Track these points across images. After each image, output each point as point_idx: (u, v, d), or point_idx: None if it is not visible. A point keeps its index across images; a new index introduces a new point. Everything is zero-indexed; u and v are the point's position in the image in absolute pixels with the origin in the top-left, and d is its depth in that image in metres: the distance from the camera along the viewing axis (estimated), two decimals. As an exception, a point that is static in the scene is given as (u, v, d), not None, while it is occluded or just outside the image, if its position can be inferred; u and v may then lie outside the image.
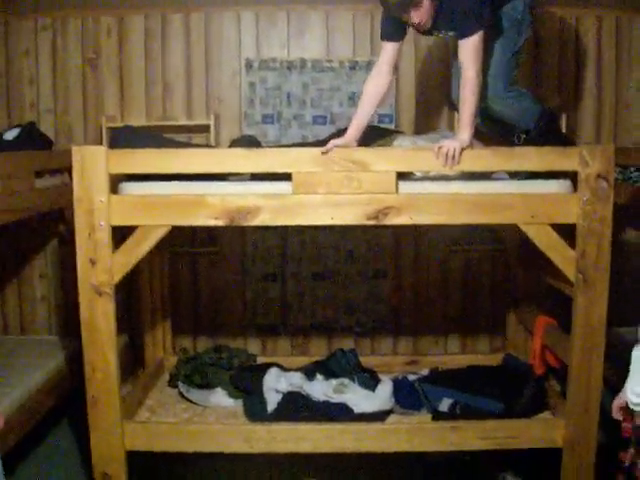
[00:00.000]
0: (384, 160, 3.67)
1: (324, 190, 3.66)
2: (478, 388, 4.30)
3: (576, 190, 3.67)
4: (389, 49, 3.88)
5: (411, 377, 4.67)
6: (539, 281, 4.81)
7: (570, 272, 3.71)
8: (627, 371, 2.95)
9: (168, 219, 3.71)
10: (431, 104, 5.54)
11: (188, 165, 3.69)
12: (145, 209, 3.70)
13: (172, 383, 4.80)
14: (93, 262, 3.68)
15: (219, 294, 5.71)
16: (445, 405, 4.22)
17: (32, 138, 5.01)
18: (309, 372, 4.58)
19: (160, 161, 3.68)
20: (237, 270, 5.67)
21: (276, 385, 4.37)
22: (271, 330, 5.71)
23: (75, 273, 3.72)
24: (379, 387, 4.37)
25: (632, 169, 4.75)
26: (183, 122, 5.53)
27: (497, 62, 3.91)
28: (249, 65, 5.45)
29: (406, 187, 3.71)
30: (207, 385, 4.56)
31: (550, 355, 4.42)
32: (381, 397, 4.29)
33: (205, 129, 5.45)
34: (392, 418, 4.24)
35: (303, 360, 5.04)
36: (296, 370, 4.67)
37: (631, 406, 2.87)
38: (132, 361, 5.36)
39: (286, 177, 3.68)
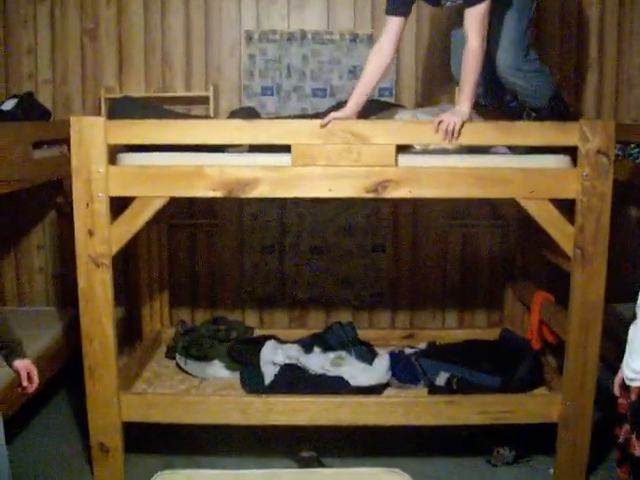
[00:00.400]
0: (384, 133, 3.65)
1: (323, 162, 3.65)
2: (475, 362, 4.32)
3: (575, 166, 3.66)
4: (394, 25, 3.83)
5: (408, 351, 4.69)
6: (537, 256, 4.81)
7: (568, 247, 3.71)
8: (624, 348, 2.95)
9: (166, 190, 3.70)
10: (432, 77, 5.51)
11: (186, 136, 3.68)
12: (143, 180, 3.69)
13: (169, 355, 4.82)
14: (91, 233, 3.67)
15: (217, 266, 5.70)
16: (442, 379, 4.23)
17: (30, 108, 4.98)
18: (306, 345, 4.59)
19: (158, 132, 3.67)
20: (235, 242, 5.66)
21: (273, 358, 4.38)
22: (269, 303, 5.71)
23: (73, 244, 3.71)
24: (376, 360, 4.39)
25: (632, 146, 4.74)
26: (182, 93, 5.50)
27: (513, 32, 3.82)
28: (249, 37, 5.41)
29: (405, 160, 3.69)
30: (204, 357, 4.57)
31: (547, 330, 4.42)
32: (378, 370, 4.30)
33: (204, 100, 5.42)
34: (389, 392, 4.26)
35: (301, 333, 5.07)
36: (293, 343, 4.69)
37: (627, 381, 2.87)
38: (129, 333, 5.36)
39: (285, 149, 3.67)
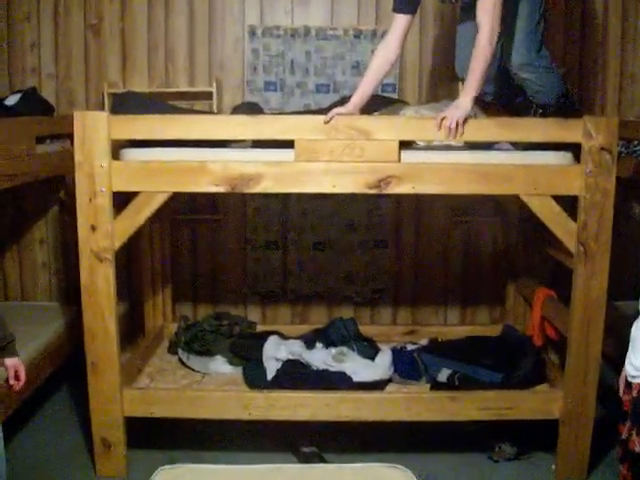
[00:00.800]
0: (387, 129, 3.65)
1: (326, 158, 3.65)
2: (477, 359, 4.32)
3: (578, 162, 3.66)
4: (400, 22, 3.82)
5: (410, 347, 4.70)
6: (540, 253, 4.81)
7: (571, 244, 3.72)
8: (626, 345, 2.95)
9: (169, 185, 3.70)
10: (435, 74, 5.51)
11: (190, 131, 3.68)
12: (146, 175, 3.69)
13: (172, 350, 4.83)
14: (94, 228, 3.68)
15: (220, 262, 5.70)
16: (444, 375, 4.23)
17: (33, 103, 4.98)
18: (309, 340, 4.60)
19: (162, 127, 3.67)
20: (238, 238, 5.65)
21: (275, 353, 4.38)
22: (271, 298, 5.72)
23: (76, 239, 3.72)
24: (378, 356, 4.39)
25: (635, 143, 4.72)
26: (185, 89, 5.49)
27: (526, 27, 3.79)
28: (252, 32, 5.40)
29: (408, 156, 3.70)
30: (207, 352, 4.58)
31: (549, 327, 4.42)
32: (380, 366, 4.30)
33: (207, 96, 5.42)
34: (391, 387, 4.27)
35: (303, 328, 5.08)
36: (296, 338, 4.69)
37: (629, 378, 2.87)
38: (132, 328, 5.37)
39: (288, 144, 3.67)
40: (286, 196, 5.44)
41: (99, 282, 3.74)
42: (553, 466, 4.00)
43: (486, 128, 3.66)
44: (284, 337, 4.71)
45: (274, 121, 3.79)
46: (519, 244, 5.20)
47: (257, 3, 5.44)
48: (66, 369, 4.98)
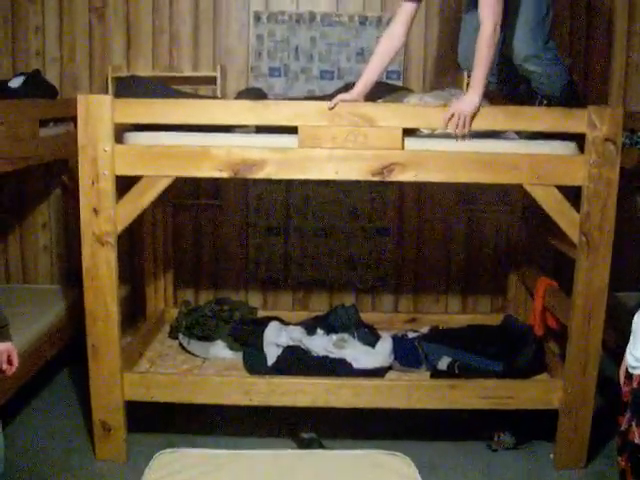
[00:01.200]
0: (391, 116, 3.65)
1: (330, 144, 3.64)
2: (477, 347, 4.32)
3: (581, 152, 3.66)
4: (406, 9, 3.81)
5: (411, 335, 4.70)
6: (542, 242, 4.80)
7: (574, 234, 3.71)
8: (627, 336, 2.95)
9: (172, 170, 3.70)
10: (440, 61, 5.49)
11: (193, 116, 3.67)
12: (149, 159, 3.69)
13: (173, 335, 4.84)
14: (96, 211, 3.67)
15: (221, 247, 5.70)
16: (444, 363, 4.24)
17: (37, 86, 4.98)
18: (309, 327, 4.60)
19: (165, 111, 3.66)
20: (240, 223, 5.65)
21: (276, 339, 4.39)
22: (273, 284, 5.72)
23: (78, 223, 3.72)
24: (379, 343, 4.39)
25: (640, 133, 4.72)
26: (189, 73, 5.48)
27: (533, 19, 3.75)
28: (257, 17, 5.39)
29: (412, 144, 3.69)
30: (207, 337, 4.58)
31: (550, 317, 4.42)
32: (381, 353, 4.31)
33: (211, 81, 5.40)
34: (391, 375, 4.28)
35: (304, 315, 5.08)
36: (296, 324, 4.69)
37: (630, 370, 2.87)
38: (133, 312, 5.38)
39: (292, 130, 3.66)
40: (289, 182, 5.44)
41: (101, 266, 3.74)
42: (552, 455, 4.01)
43: (491, 117, 3.64)
44: (285, 323, 4.71)
45: (278, 107, 3.77)
46: (522, 233, 5.20)
47: (263, -12, 5.44)
48: (67, 352, 4.98)
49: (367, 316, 5.01)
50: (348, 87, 3.90)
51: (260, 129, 3.87)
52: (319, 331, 4.53)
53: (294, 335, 4.44)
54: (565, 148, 3.72)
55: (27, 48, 5.51)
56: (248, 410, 4.19)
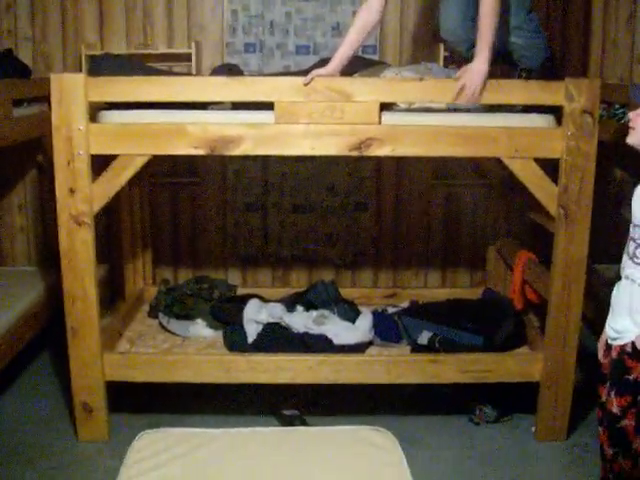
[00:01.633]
0: (367, 90, 3.62)
1: (306, 120, 3.61)
2: (457, 322, 4.33)
3: (559, 125, 3.65)
4: None
5: (391, 310, 4.71)
6: (521, 216, 4.81)
7: (552, 207, 3.71)
8: (606, 308, 2.96)
9: (148, 148, 3.66)
10: (416, 35, 5.48)
11: (168, 93, 3.63)
12: (125, 138, 3.65)
13: (152, 314, 4.81)
14: (72, 191, 3.64)
15: (200, 225, 5.69)
16: (424, 338, 4.24)
17: (9, 66, 4.93)
18: (289, 303, 4.60)
19: (140, 89, 3.61)
20: (218, 201, 5.64)
21: (256, 316, 4.38)
22: (252, 261, 5.71)
23: (54, 203, 3.68)
24: (359, 319, 4.40)
25: (617, 106, 4.72)
26: (164, 50, 5.45)
27: None
28: (231, -8, 5.37)
29: (389, 118, 3.67)
30: (187, 316, 4.57)
31: (530, 290, 4.43)
32: (361, 329, 4.31)
33: (186, 58, 5.36)
34: (371, 350, 4.28)
35: (284, 291, 5.06)
36: (276, 301, 4.68)
37: (609, 341, 2.89)
38: (112, 291, 5.35)
39: (268, 106, 3.63)
40: (266, 159, 5.43)
41: (78, 246, 3.70)
42: (533, 428, 4.03)
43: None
44: (264, 300, 4.70)
45: (253, 83, 3.74)
46: (500, 207, 5.19)
47: (237, -38, 5.39)
48: (46, 334, 4.96)
49: (347, 292, 5.00)
50: (324, 62, 3.86)
51: (236, 105, 3.84)
52: (299, 308, 4.53)
53: (274, 312, 4.43)
54: (543, 121, 3.72)
55: (-2, 27, 5.45)
56: (230, 388, 4.19)
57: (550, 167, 3.70)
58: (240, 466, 2.57)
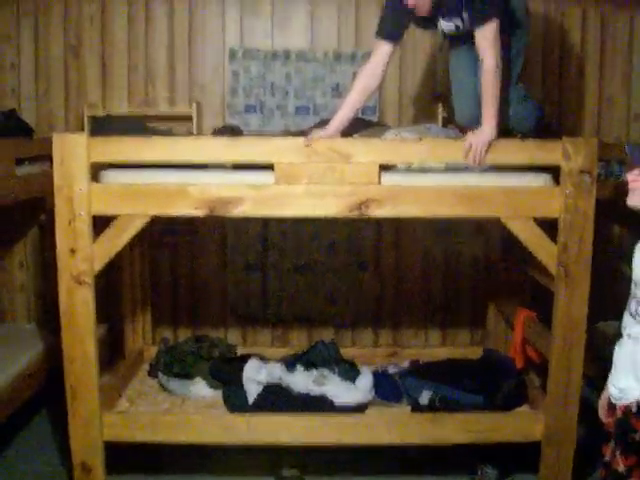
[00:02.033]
0: (367, 151, 3.64)
1: (306, 181, 3.63)
2: (458, 381, 4.31)
3: (557, 184, 3.67)
4: (383, 49, 3.83)
5: (391, 369, 4.70)
6: (520, 274, 4.81)
7: (551, 266, 3.72)
8: (607, 365, 2.95)
9: (149, 209, 3.67)
10: (415, 96, 5.54)
11: (169, 154, 3.66)
12: (126, 198, 3.66)
13: (152, 373, 4.79)
14: (73, 251, 3.64)
15: (200, 284, 5.69)
16: (425, 398, 4.22)
17: (12, 125, 4.96)
18: (289, 363, 4.57)
19: (141, 150, 3.64)
20: (218, 260, 5.65)
21: (256, 376, 4.36)
22: (252, 321, 5.70)
23: (56, 261, 3.69)
24: (359, 379, 4.37)
25: (614, 164, 4.75)
26: (165, 110, 5.50)
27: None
28: (233, 54, 5.43)
29: (389, 179, 3.69)
30: (187, 375, 4.55)
31: (530, 349, 4.42)
32: (361, 389, 4.29)
33: (187, 118, 5.41)
34: (372, 410, 4.25)
35: (284, 351, 5.05)
36: (276, 361, 4.66)
37: (613, 400, 2.88)
38: (112, 350, 5.33)
39: (268, 167, 3.66)
40: (266, 218, 5.43)
41: (78, 306, 3.70)
42: (535, 488, 4.01)
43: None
44: (264, 360, 4.68)
45: (254, 144, 3.77)
46: (500, 265, 5.20)
47: (237, 25, 5.47)
48: (46, 391, 4.93)
49: (347, 351, 4.98)
50: (324, 123, 3.91)
51: (236, 166, 3.86)
52: (299, 367, 4.51)
53: (274, 372, 4.41)
54: (540, 180, 3.73)
55: (2, 86, 5.51)
56: (230, 448, 4.16)
57: (547, 225, 3.71)
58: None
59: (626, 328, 2.86)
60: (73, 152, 3.58)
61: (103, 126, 4.25)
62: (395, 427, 3.94)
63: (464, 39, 3.90)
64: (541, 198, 3.68)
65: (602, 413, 3.00)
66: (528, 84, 4.84)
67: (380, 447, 4.04)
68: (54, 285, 3.77)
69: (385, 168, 3.70)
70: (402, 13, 3.74)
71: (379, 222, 5.54)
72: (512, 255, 4.87)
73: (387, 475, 4.11)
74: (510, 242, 4.48)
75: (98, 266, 3.70)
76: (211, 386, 4.50)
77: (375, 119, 5.31)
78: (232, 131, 4.37)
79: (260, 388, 4.27)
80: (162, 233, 5.53)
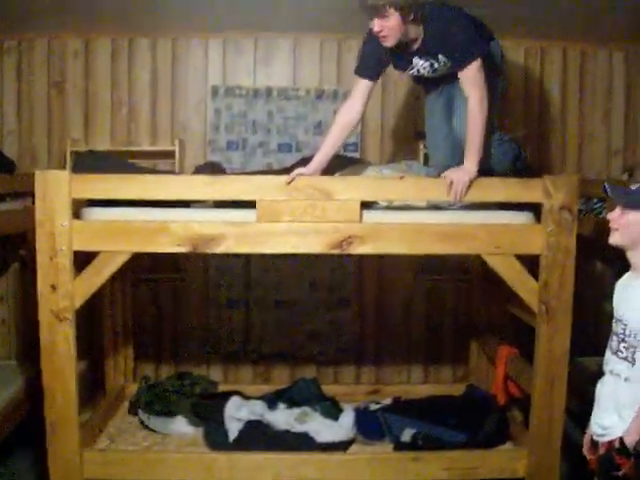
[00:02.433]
0: (348, 189, 3.66)
1: (288, 218, 3.64)
2: (441, 418, 4.30)
3: (538, 221, 3.69)
4: (362, 86, 3.84)
5: (373, 406, 4.67)
6: (502, 310, 4.82)
7: (533, 303, 3.73)
8: (590, 401, 2.96)
9: (130, 245, 3.67)
10: (396, 133, 5.57)
11: (151, 191, 3.66)
12: (107, 235, 3.66)
13: (132, 410, 4.76)
14: (54, 287, 3.63)
15: (182, 321, 5.68)
16: (407, 435, 4.20)
17: (-6, 161, 4.97)
18: (271, 401, 4.56)
19: (123, 187, 3.64)
20: (200, 297, 5.64)
21: (237, 414, 4.33)
22: (233, 357, 5.68)
23: (36, 298, 3.67)
24: (341, 416, 4.36)
25: (595, 200, 4.78)
26: (148, 147, 5.51)
27: None
28: (215, 92, 5.46)
29: (370, 216, 3.70)
30: (168, 413, 4.52)
31: (512, 385, 4.42)
32: (343, 427, 4.27)
33: (170, 155, 5.43)
34: (354, 448, 4.23)
35: (265, 388, 5.03)
36: (258, 398, 4.64)
37: (595, 437, 2.88)
38: (93, 387, 5.30)
39: (250, 204, 3.66)
40: (248, 255, 5.44)
41: (59, 342, 3.68)
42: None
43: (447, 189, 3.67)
44: (246, 397, 4.66)
45: (236, 181, 3.78)
46: (481, 302, 5.21)
47: (220, 63, 5.51)
48: (25, 428, 4.88)
49: (329, 388, 4.97)
50: (306, 161, 3.91)
51: (218, 203, 3.86)
52: (280, 405, 4.49)
53: (255, 409, 4.39)
54: (522, 218, 3.76)
55: (-16, 122, 5.51)
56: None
57: (528, 261, 3.73)
58: None
59: (608, 365, 2.87)
60: (55, 188, 3.58)
61: (85, 162, 4.24)
62: (378, 465, 3.93)
63: (438, 82, 3.94)
64: (523, 235, 3.71)
65: (586, 449, 3.00)
66: (510, 119, 4.92)
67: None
68: (35, 321, 3.76)
69: (366, 205, 3.71)
70: (380, 51, 3.76)
71: (361, 258, 5.54)
72: (494, 292, 4.88)
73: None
74: (492, 278, 4.49)
75: (79, 302, 3.69)
76: (192, 424, 4.48)
77: (357, 155, 5.36)
78: (213, 168, 4.38)
79: (241, 425, 4.25)
80: (144, 270, 5.51)
